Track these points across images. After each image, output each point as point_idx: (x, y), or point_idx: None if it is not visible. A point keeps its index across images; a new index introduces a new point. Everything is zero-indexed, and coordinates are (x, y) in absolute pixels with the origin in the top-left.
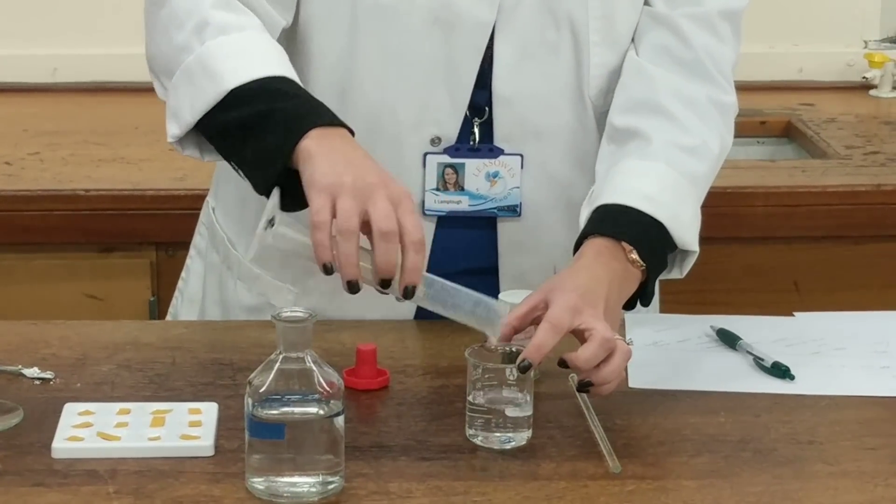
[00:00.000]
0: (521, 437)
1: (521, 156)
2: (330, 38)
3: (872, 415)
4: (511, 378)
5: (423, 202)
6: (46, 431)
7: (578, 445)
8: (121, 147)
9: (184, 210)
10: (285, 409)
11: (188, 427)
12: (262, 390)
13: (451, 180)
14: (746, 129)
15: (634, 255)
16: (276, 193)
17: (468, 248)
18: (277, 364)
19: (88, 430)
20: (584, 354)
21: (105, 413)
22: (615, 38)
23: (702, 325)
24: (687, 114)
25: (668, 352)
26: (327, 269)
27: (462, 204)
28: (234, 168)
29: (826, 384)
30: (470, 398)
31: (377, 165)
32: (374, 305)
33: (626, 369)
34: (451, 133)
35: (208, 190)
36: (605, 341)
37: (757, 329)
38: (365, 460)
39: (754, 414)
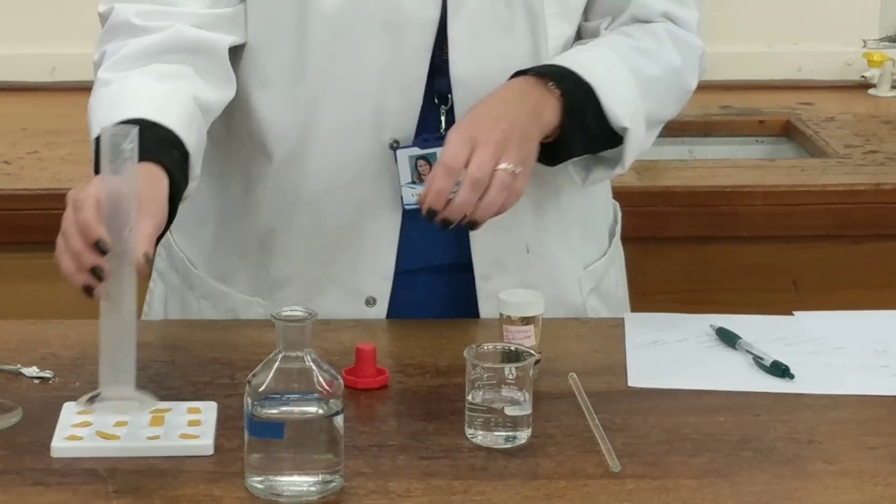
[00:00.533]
0: (521, 436)
1: None
2: (280, 51)
3: (872, 414)
4: (510, 377)
5: (402, 198)
6: (45, 431)
7: (578, 444)
8: None
9: None
10: (285, 408)
11: (187, 426)
12: (261, 389)
13: (425, 171)
14: (745, 128)
15: (553, 85)
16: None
17: (440, 239)
18: (277, 363)
19: (87, 429)
20: (429, 186)
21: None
22: (569, 8)
23: (701, 324)
24: (641, 33)
25: (668, 351)
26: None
27: None
28: None
29: (826, 383)
30: (469, 397)
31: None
32: (345, 311)
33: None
34: (408, 134)
35: None
36: (447, 169)
37: (756, 328)
38: (364, 459)
39: (754, 413)
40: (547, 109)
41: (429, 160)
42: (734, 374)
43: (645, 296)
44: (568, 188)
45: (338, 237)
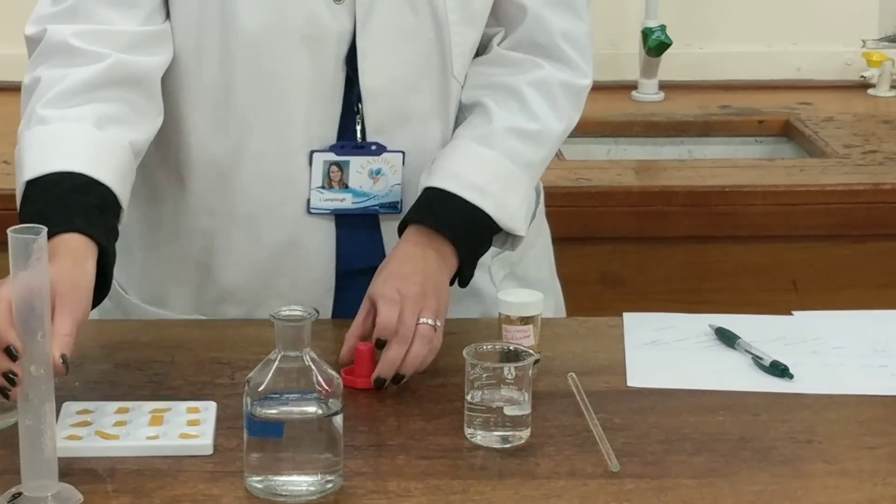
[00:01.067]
0: (520, 436)
1: (403, 153)
2: (206, 73)
3: (871, 413)
4: (509, 377)
5: (309, 200)
6: None
7: (577, 444)
8: None
9: None
10: (284, 407)
11: (187, 426)
12: (260, 389)
13: (335, 178)
14: (744, 128)
15: (449, 248)
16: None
17: (359, 247)
18: (276, 363)
19: (87, 428)
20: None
21: (103, 412)
22: (472, 16)
23: (700, 324)
24: (536, 96)
25: (667, 351)
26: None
27: (346, 202)
28: None
29: (825, 383)
30: (468, 397)
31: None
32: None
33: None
34: (329, 142)
35: None
36: (390, 333)
37: (755, 328)
38: (364, 459)
39: (753, 413)
40: (448, 255)
41: (341, 167)
42: (733, 374)
43: (644, 295)
44: None
45: (275, 251)
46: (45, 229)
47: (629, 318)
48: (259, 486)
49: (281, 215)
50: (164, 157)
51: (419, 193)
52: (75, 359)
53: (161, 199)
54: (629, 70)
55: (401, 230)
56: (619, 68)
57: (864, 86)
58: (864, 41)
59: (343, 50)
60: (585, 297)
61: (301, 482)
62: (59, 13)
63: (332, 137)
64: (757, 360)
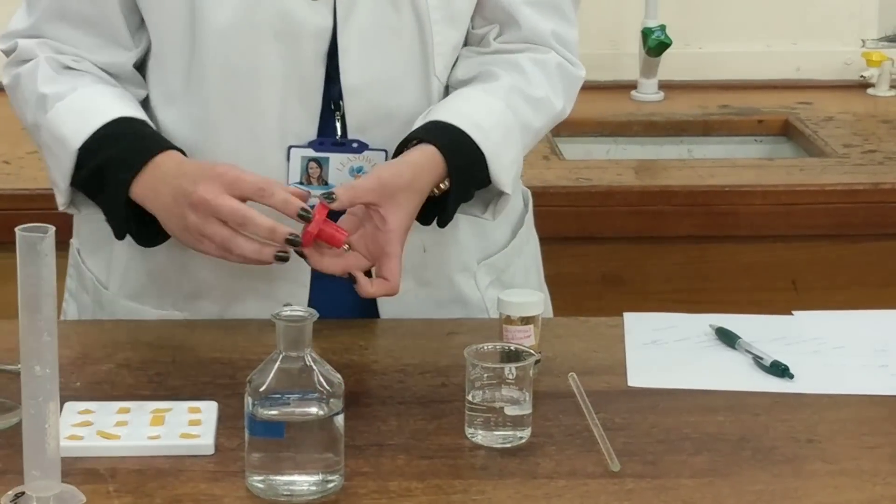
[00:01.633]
0: (521, 436)
1: (386, 151)
2: (178, 67)
3: (872, 413)
4: (510, 377)
5: None
6: None
7: (578, 444)
8: None
9: None
10: (285, 408)
11: (188, 426)
12: (262, 389)
13: (314, 174)
14: (744, 127)
15: (444, 185)
16: None
17: None
18: (277, 363)
19: (88, 428)
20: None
21: (105, 412)
22: (454, 16)
23: (701, 323)
24: (536, 70)
25: (668, 351)
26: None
27: None
28: None
29: (825, 383)
30: (469, 397)
31: (195, 171)
32: (264, 317)
33: None
34: (309, 139)
35: None
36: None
37: (756, 328)
38: (365, 459)
39: (753, 413)
40: (438, 184)
41: (320, 164)
42: (734, 374)
43: (644, 295)
44: None
45: None
46: (52, 228)
47: (629, 318)
48: (260, 485)
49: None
50: None
51: (416, 127)
52: (76, 358)
53: None
54: (629, 70)
55: (402, 146)
56: (618, 68)
57: (863, 85)
58: (863, 41)
59: (322, 46)
60: (585, 297)
61: (302, 482)
62: (27, 30)
63: (311, 134)
64: (757, 360)
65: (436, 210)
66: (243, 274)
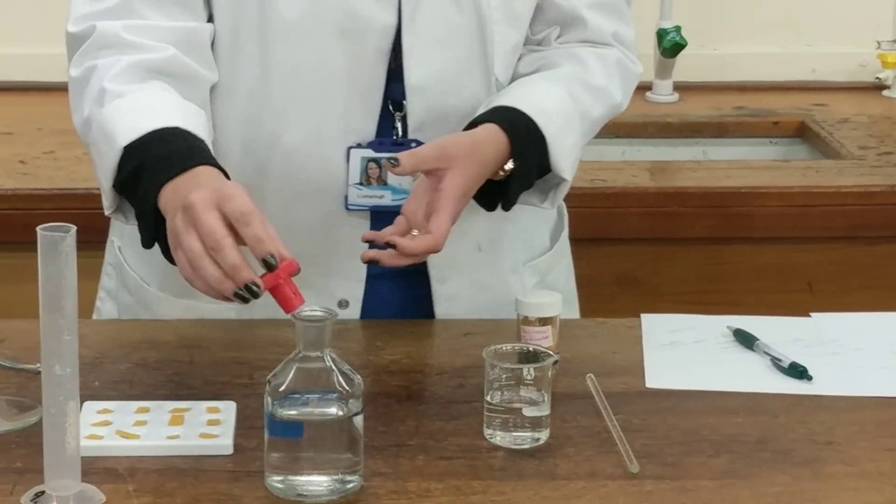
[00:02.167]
0: (539, 437)
1: None
2: (244, 61)
3: (891, 415)
4: (528, 378)
5: (347, 197)
6: None
7: (596, 445)
8: None
9: None
10: (304, 408)
11: (207, 426)
12: (281, 389)
13: (373, 175)
14: (759, 129)
15: (510, 164)
16: None
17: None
18: (297, 363)
19: (107, 428)
20: (416, 247)
21: (124, 411)
22: (515, 16)
23: (719, 325)
24: (596, 62)
25: (686, 352)
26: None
27: (385, 198)
28: None
29: (844, 385)
30: (488, 398)
31: (208, 181)
32: (326, 303)
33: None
34: (368, 138)
35: None
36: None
37: (774, 329)
38: (383, 459)
39: (772, 414)
40: (502, 165)
41: (379, 164)
42: (752, 376)
43: (659, 297)
44: None
45: (308, 243)
46: (73, 228)
47: (647, 319)
48: (279, 485)
49: (314, 208)
50: None
51: (481, 112)
52: (94, 358)
53: None
54: (644, 71)
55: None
56: None
57: (878, 87)
58: (878, 42)
59: (385, 44)
60: (600, 298)
61: (321, 482)
62: (107, 11)
63: (370, 132)
64: (776, 361)
65: (499, 196)
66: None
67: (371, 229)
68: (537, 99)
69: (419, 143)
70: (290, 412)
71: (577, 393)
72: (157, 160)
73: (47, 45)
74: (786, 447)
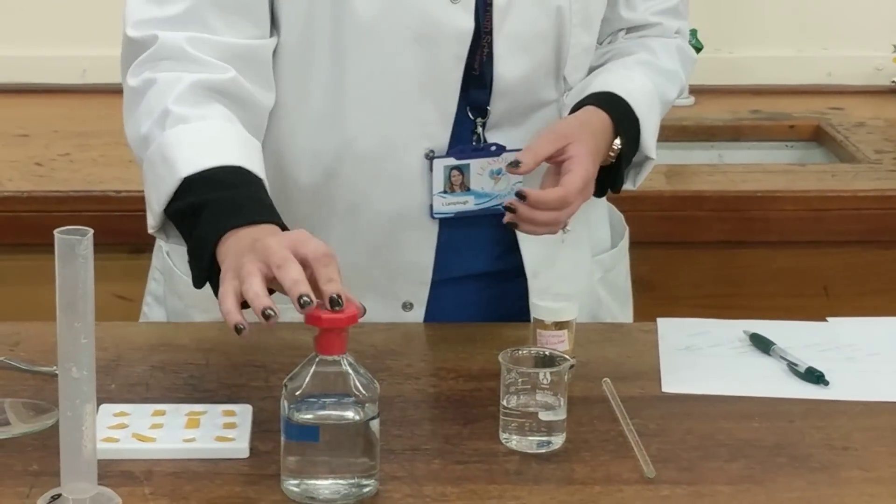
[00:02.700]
0: (555, 441)
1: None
2: (317, 65)
3: None
4: (545, 382)
5: (431, 206)
6: None
7: (612, 450)
8: None
9: None
10: (321, 411)
11: (223, 429)
12: (298, 393)
13: (457, 181)
14: (775, 132)
15: (617, 142)
16: None
17: (457, 246)
18: (313, 366)
19: (123, 431)
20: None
21: (140, 414)
22: (590, 19)
23: (735, 329)
24: (662, 48)
25: (702, 356)
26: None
27: (469, 203)
28: None
29: (860, 390)
30: (504, 402)
31: (282, 238)
32: (383, 315)
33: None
34: (442, 144)
35: None
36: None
37: (790, 334)
38: (399, 463)
39: (789, 419)
40: (610, 145)
41: (462, 171)
42: (768, 380)
43: (675, 300)
44: None
45: (374, 247)
46: (90, 231)
47: (663, 323)
48: (296, 489)
49: (381, 211)
50: (268, 149)
51: (572, 101)
52: (111, 361)
53: None
54: None
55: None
56: None
57: (894, 91)
58: (894, 46)
59: (461, 50)
60: None
61: (337, 486)
62: (171, 19)
63: (444, 137)
64: (792, 366)
65: (608, 179)
66: (364, 273)
67: (438, 233)
68: (622, 82)
69: (500, 147)
70: (307, 416)
71: (592, 397)
72: (219, 205)
73: (63, 47)
74: (802, 452)
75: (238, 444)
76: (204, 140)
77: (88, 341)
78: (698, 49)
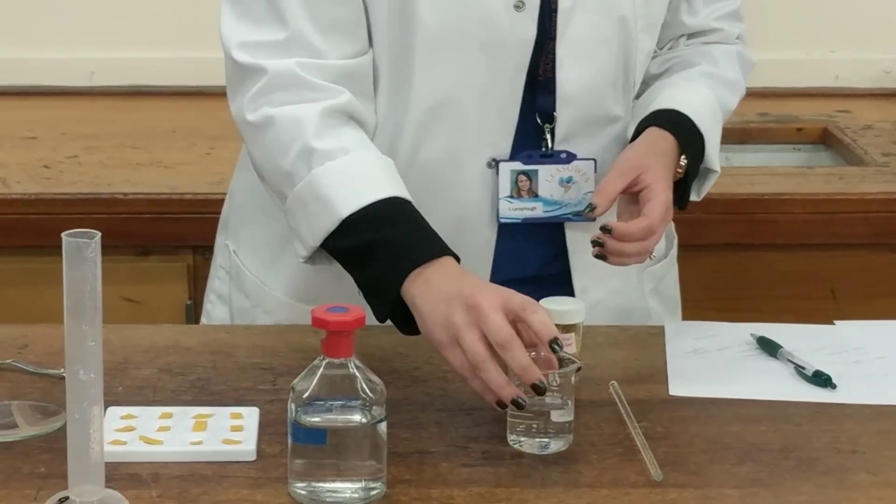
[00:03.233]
0: (563, 444)
1: (595, 160)
2: (383, 75)
3: None
4: (553, 384)
5: (498, 210)
6: None
7: (619, 453)
8: (158, 150)
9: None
10: (328, 414)
11: (230, 432)
12: (305, 396)
13: (524, 187)
14: (782, 135)
15: (683, 161)
16: None
17: (515, 254)
18: (321, 369)
19: (131, 433)
20: (629, 228)
21: (147, 417)
22: (653, 23)
23: (742, 332)
24: (724, 57)
25: (709, 360)
26: (501, 406)
27: (537, 210)
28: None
29: (868, 393)
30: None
31: (477, 282)
32: None
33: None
34: (504, 152)
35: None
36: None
37: (797, 337)
38: (406, 466)
39: (796, 423)
40: (676, 164)
41: (529, 176)
42: (776, 384)
43: (682, 303)
44: None
45: None
46: (98, 234)
47: (670, 326)
48: (303, 492)
49: (442, 218)
50: None
51: (638, 120)
52: (118, 363)
53: None
54: None
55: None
56: None
57: None
58: None
59: (524, 58)
60: None
61: (345, 489)
62: (276, 45)
63: (506, 146)
64: (799, 369)
65: (675, 196)
66: None
67: (497, 240)
68: (687, 98)
69: (570, 155)
70: (314, 419)
71: (600, 400)
72: (391, 246)
73: (71, 50)
74: (810, 456)
75: (245, 446)
76: (353, 175)
77: (96, 344)
78: None
